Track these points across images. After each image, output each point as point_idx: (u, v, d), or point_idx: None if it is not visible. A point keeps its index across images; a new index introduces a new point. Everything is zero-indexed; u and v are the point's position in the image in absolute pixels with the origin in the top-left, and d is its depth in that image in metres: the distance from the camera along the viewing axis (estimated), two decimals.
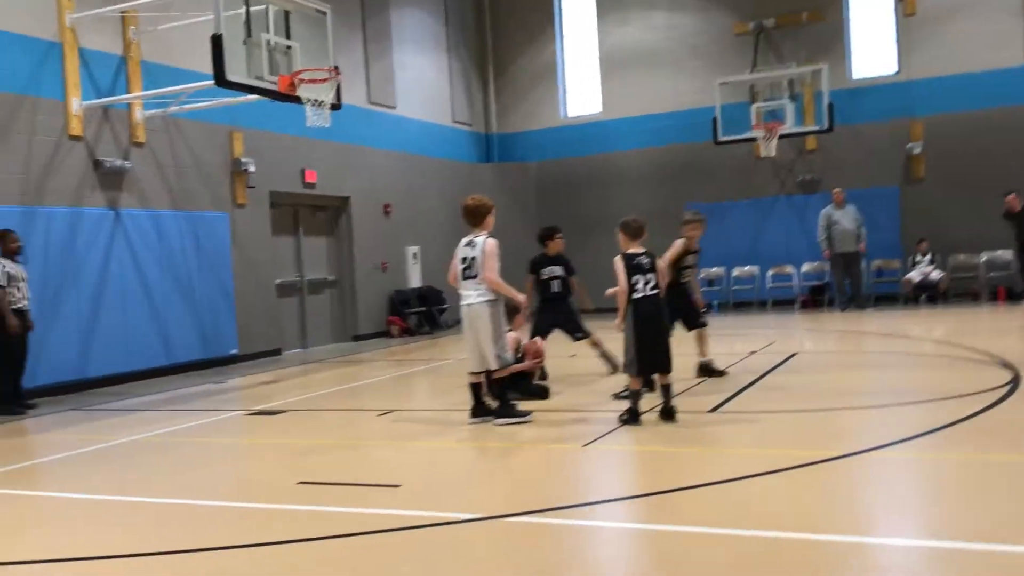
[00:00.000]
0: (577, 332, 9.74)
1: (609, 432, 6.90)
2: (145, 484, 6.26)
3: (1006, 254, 17.02)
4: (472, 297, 7.46)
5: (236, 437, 8.25)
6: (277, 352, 15.20)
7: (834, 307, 17.56)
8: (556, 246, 9.82)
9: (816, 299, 18.38)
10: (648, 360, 7.08)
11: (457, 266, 7.56)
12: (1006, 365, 8.90)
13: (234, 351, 14.05)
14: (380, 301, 17.92)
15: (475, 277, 7.43)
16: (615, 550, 4.39)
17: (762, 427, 6.95)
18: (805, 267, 18.79)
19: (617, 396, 8.03)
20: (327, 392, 10.63)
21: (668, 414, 7.05)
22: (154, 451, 7.47)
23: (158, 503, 5.64)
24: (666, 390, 7.14)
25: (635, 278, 7.09)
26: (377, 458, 6.77)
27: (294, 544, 4.60)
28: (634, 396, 7.13)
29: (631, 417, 7.05)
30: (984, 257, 17.49)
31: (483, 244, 7.42)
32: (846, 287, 17.40)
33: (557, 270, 9.71)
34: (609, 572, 4.08)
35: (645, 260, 7.16)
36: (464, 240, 7.59)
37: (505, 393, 7.57)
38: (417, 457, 6.69)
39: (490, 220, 7.61)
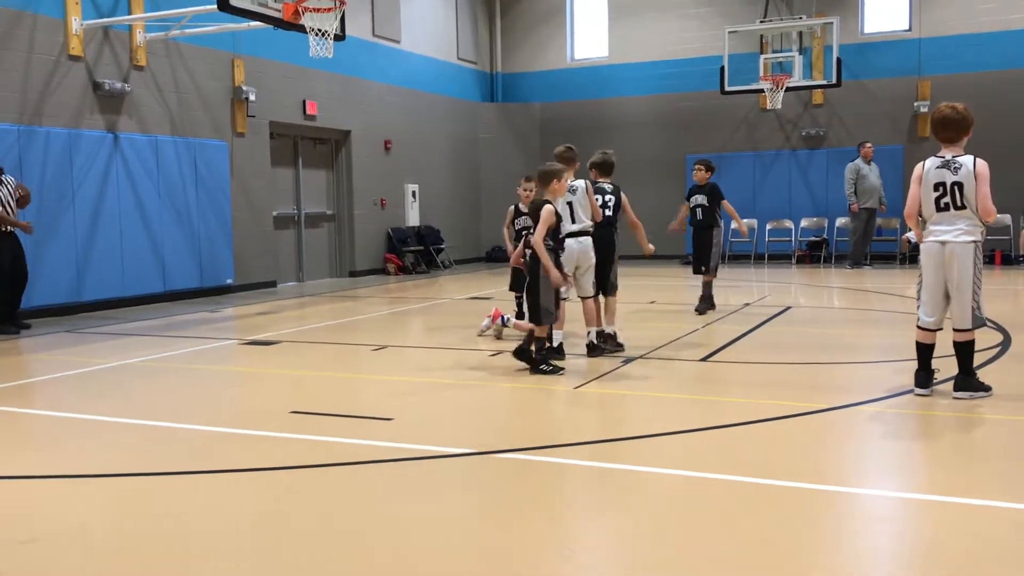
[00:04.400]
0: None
1: (601, 375, 6.97)
2: (138, 407, 6.32)
3: (1004, 218, 16.99)
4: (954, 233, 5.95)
5: (230, 365, 8.29)
6: (272, 284, 15.21)
7: (836, 264, 17.54)
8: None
9: (813, 255, 18.38)
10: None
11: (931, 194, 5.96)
12: (997, 328, 8.95)
13: (229, 281, 14.06)
14: (378, 238, 17.89)
15: (963, 208, 5.95)
16: (597, 488, 4.45)
17: (751, 377, 7.01)
18: (804, 222, 18.76)
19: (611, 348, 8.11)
20: (322, 326, 10.67)
21: None
22: (148, 375, 7.53)
23: (151, 425, 5.69)
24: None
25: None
26: (370, 391, 6.83)
27: (289, 470, 4.66)
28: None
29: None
30: None
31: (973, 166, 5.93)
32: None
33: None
34: (592, 507, 4.15)
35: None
36: (937, 162, 5.97)
37: (969, 362, 6.05)
38: (410, 392, 6.74)
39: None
